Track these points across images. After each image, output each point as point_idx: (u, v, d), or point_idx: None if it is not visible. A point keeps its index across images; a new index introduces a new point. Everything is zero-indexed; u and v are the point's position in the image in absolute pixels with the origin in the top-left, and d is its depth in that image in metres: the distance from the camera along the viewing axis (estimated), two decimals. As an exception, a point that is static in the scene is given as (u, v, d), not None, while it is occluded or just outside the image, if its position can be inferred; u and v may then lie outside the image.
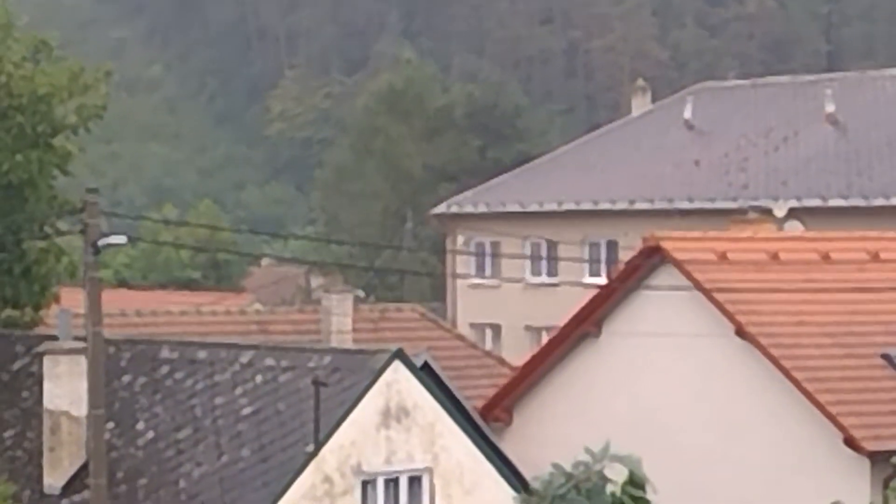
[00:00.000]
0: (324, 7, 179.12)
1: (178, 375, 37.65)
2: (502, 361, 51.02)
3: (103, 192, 41.58)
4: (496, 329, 68.79)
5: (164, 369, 37.91)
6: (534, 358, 45.49)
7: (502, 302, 70.19)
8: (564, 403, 42.52)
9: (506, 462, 35.83)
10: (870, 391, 38.56)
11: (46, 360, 35.91)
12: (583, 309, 43.49)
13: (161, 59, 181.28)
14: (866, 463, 35.49)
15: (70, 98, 43.13)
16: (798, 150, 67.67)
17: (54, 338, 37.24)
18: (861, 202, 61.64)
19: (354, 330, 44.93)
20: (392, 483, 34.25)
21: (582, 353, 43.31)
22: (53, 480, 35.37)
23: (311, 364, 35.21)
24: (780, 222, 54.73)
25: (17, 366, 39.92)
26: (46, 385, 35.87)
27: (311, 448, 32.87)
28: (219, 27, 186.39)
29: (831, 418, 36.67)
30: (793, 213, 58.48)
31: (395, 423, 34.31)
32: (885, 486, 28.44)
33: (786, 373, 38.02)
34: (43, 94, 42.05)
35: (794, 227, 54.95)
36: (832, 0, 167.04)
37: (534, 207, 72.11)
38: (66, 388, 35.43)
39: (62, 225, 42.56)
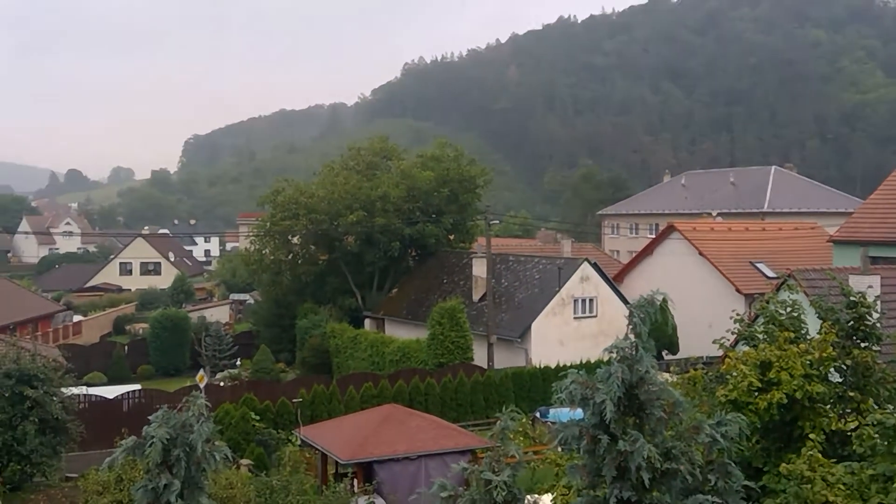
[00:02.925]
0: (562, 142, 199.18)
1: (515, 266, 45.43)
2: (620, 263, 58.32)
3: (491, 206, 47.38)
4: (617, 252, 73.80)
5: (510, 264, 45.75)
6: (630, 262, 52.89)
7: (620, 243, 77.24)
8: (640, 278, 48.78)
9: (621, 295, 42.41)
10: (745, 272, 45.14)
11: (474, 260, 44.86)
12: (647, 246, 51.73)
13: (508, 163, 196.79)
14: (743, 298, 42.38)
15: (480, 177, 51.30)
16: (718, 194, 73.78)
17: (475, 253, 46.12)
18: (742, 210, 68.28)
19: (571, 252, 51.71)
20: (583, 300, 41.88)
21: (646, 261, 50.40)
22: (475, 297, 43.87)
23: (558, 262, 43.55)
24: (714, 218, 58.52)
25: (463, 262, 47.95)
26: (474, 268, 44.63)
27: (557, 289, 41.25)
28: (520, 149, 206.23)
29: (731, 282, 44.21)
30: (719, 215, 61.36)
31: (584, 281, 42.01)
32: (749, 307, 36.72)
33: (716, 266, 45.29)
34: (472, 175, 50.44)
35: (718, 220, 56.90)
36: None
37: (631, 211, 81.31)
38: (479, 269, 43.51)
39: (478, 217, 50.47)
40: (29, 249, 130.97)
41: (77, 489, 22.80)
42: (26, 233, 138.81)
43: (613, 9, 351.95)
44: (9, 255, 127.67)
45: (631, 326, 10.34)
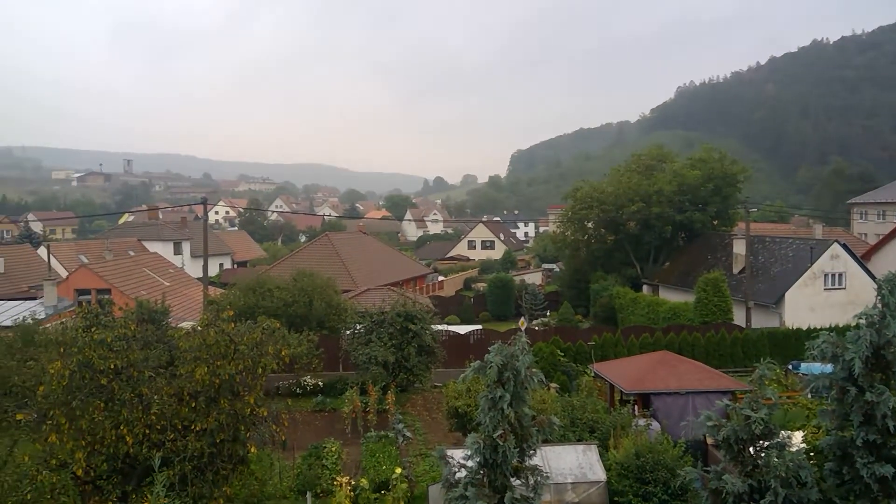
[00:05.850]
0: (813, 144, 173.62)
1: (770, 245, 39.84)
2: (868, 244, 50.57)
3: (749, 197, 42.60)
4: (865, 235, 63.80)
5: (766, 243, 40.38)
6: (878, 243, 45.64)
7: (869, 227, 66.76)
8: (888, 257, 41.86)
9: (869, 272, 37.32)
10: None
11: (734, 240, 40.41)
12: (889, 233, 44.74)
13: (765, 161, 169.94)
14: None
15: (741, 174, 46.25)
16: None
17: (735, 235, 41.50)
18: None
19: (822, 235, 43.60)
20: (832, 275, 36.19)
21: (894, 242, 43.30)
22: (735, 270, 39.34)
23: (810, 243, 37.63)
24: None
25: (725, 242, 42.96)
26: (734, 247, 40.01)
27: (808, 265, 35.79)
28: (775, 150, 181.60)
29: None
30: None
31: (834, 258, 36.75)
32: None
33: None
34: (734, 172, 45.34)
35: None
36: None
37: (881, 200, 68.63)
38: (739, 248, 39.18)
39: (738, 206, 45.06)
40: (411, 231, 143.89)
41: (441, 394, 24.20)
42: (409, 220, 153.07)
43: (863, 29, 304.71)
44: (398, 234, 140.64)
45: (879, 297, 9.39)
